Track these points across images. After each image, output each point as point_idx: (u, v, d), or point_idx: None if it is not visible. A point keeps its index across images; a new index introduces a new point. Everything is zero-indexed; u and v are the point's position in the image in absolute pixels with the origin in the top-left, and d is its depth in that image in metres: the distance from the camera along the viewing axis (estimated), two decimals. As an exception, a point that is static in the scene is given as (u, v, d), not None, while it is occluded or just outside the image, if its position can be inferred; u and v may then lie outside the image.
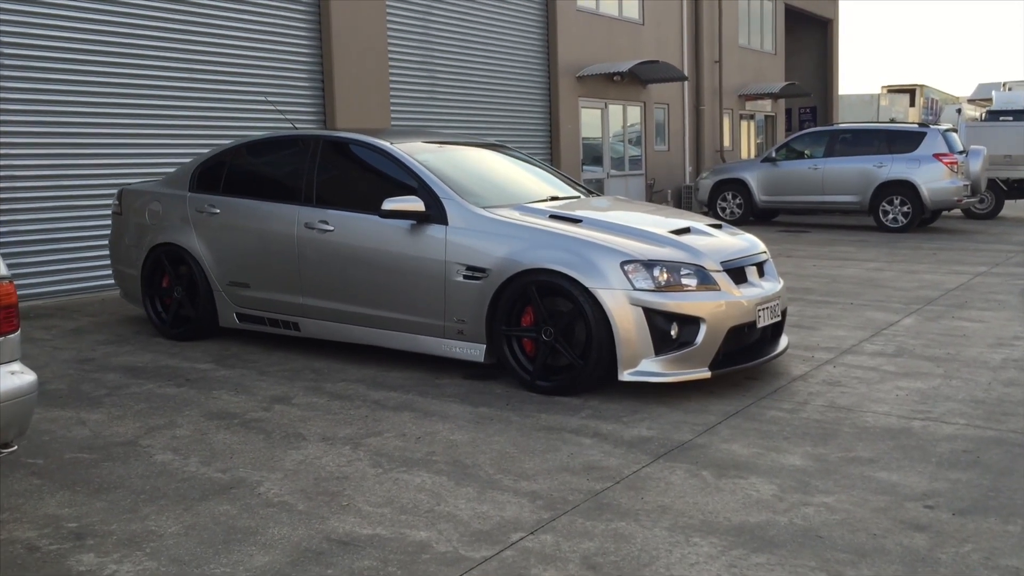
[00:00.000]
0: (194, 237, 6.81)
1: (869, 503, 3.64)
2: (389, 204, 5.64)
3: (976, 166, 15.54)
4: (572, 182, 7.04)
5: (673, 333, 5.06)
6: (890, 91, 42.60)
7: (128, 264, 7.33)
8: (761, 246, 5.90)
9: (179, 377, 5.86)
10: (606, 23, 18.48)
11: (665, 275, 5.11)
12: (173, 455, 4.34)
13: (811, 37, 31.21)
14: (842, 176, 15.53)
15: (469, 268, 5.48)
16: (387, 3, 12.98)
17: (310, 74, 11.95)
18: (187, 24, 10.30)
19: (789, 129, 28.83)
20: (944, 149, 14.84)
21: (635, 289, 5.03)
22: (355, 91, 12.28)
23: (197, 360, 6.33)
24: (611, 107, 18.87)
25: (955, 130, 16.37)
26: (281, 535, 3.41)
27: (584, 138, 17.93)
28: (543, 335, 5.24)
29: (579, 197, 6.60)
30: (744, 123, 25.53)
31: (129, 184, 7.82)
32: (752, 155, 25.49)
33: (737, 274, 5.42)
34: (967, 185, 15.16)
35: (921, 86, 43.78)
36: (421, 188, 5.79)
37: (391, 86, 13.10)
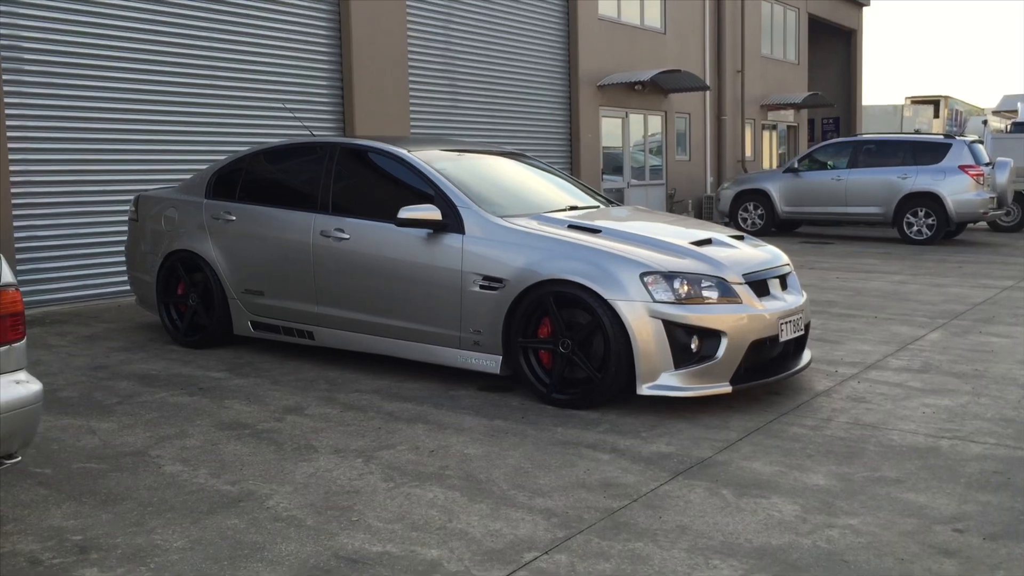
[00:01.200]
0: (210, 244, 6.75)
1: (896, 526, 3.51)
2: (405, 212, 5.56)
3: (1003, 178, 15.32)
4: (591, 191, 6.94)
5: (693, 346, 4.95)
6: (914, 102, 42.25)
7: (144, 271, 7.29)
8: (784, 258, 5.79)
9: (192, 386, 5.80)
10: (627, 32, 18.40)
11: (686, 287, 5.00)
12: (182, 466, 4.27)
13: (835, 47, 31.00)
14: (866, 187, 15.35)
15: (486, 278, 5.40)
16: (407, 12, 12.95)
17: (330, 83, 11.92)
18: (207, 32, 10.30)
19: (812, 140, 28.61)
20: (970, 161, 14.63)
21: (655, 301, 4.93)
22: (375, 100, 12.25)
23: (211, 368, 6.27)
24: (632, 116, 18.76)
25: (981, 142, 16.15)
26: (288, 551, 3.33)
27: (604, 147, 17.83)
28: (560, 347, 5.14)
29: (598, 207, 6.49)
30: (766, 133, 25.35)
31: (146, 191, 7.81)
32: (774, 165, 25.29)
33: (759, 287, 5.31)
34: (993, 197, 14.93)
35: (945, 97, 43.41)
36: (438, 196, 5.71)
37: (411, 95, 13.06)
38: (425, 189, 5.82)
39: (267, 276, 6.45)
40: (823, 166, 16.21)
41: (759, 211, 16.64)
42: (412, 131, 13.08)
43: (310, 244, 6.18)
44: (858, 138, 16.85)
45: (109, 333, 7.60)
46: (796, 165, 16.56)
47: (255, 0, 10.83)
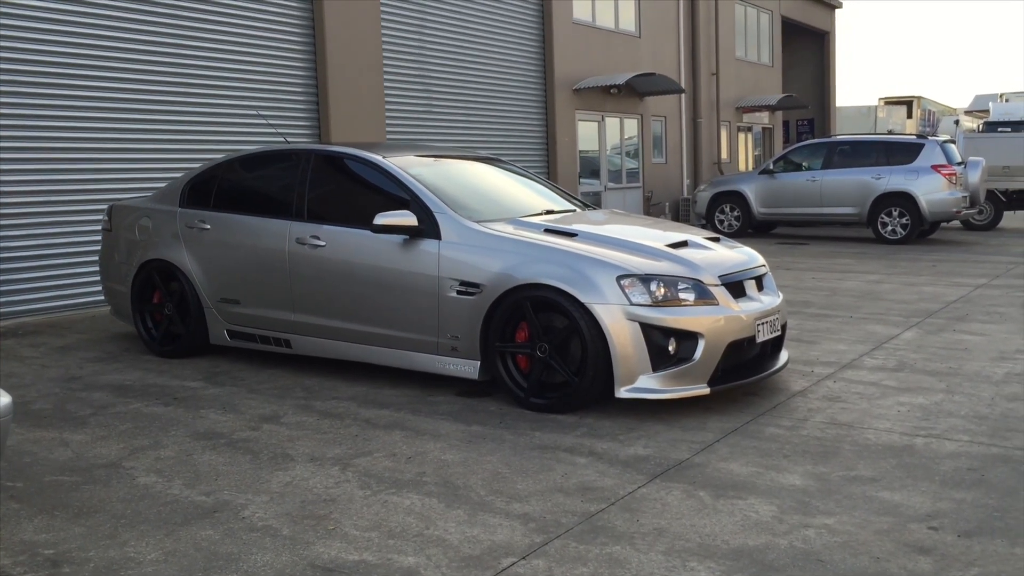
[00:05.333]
0: (184, 253, 6.70)
1: (871, 524, 3.53)
2: (381, 219, 5.55)
3: (975, 177, 15.48)
4: (568, 195, 6.94)
5: (671, 349, 4.96)
6: (887, 103, 42.65)
7: (118, 281, 7.22)
8: (760, 259, 5.81)
9: (167, 396, 5.75)
10: (603, 36, 18.45)
11: (662, 290, 5.01)
12: (157, 477, 4.23)
13: (808, 49, 31.22)
14: (840, 188, 15.46)
15: (463, 283, 5.39)
16: (382, 17, 12.93)
17: (305, 89, 11.88)
18: (180, 39, 10.23)
19: (787, 141, 28.79)
20: (943, 160, 14.78)
21: (632, 304, 4.93)
22: (350, 106, 12.21)
23: (186, 378, 6.22)
24: (608, 120, 18.81)
25: (953, 141, 16.32)
26: (264, 562, 3.30)
27: (581, 151, 17.87)
28: (537, 351, 5.14)
29: (574, 211, 6.48)
30: (742, 135, 25.49)
31: (119, 200, 7.74)
32: (750, 167, 25.43)
33: (736, 288, 5.32)
34: (966, 196, 15.08)
35: (918, 98, 43.83)
36: (414, 202, 5.70)
37: (386, 100, 13.04)
38: (401, 195, 5.80)
39: (243, 284, 6.41)
40: (798, 167, 16.32)
41: (735, 213, 16.73)
42: (388, 137, 13.05)
43: (286, 252, 6.14)
44: (832, 139, 16.98)
45: (83, 344, 7.52)
46: (771, 167, 16.66)
47: (228, 7, 10.77)
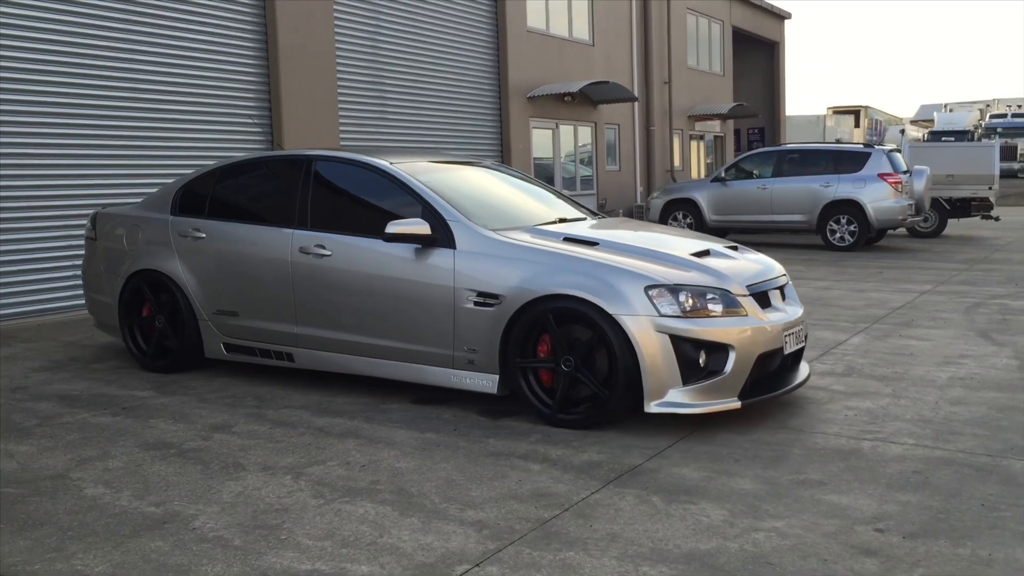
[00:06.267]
0: (177, 263, 6.40)
1: (820, 527, 3.59)
2: (393, 227, 5.31)
3: (920, 186, 15.81)
4: (573, 203, 6.74)
5: (701, 361, 4.78)
6: (836, 112, 43.46)
7: (103, 292, 6.89)
8: (780, 268, 5.64)
9: (115, 406, 5.66)
10: (556, 44, 18.55)
11: (691, 300, 4.83)
12: (105, 488, 4.16)
13: (758, 59, 31.70)
14: (790, 195, 15.70)
15: (480, 294, 5.17)
16: (335, 23, 12.88)
17: (258, 94, 11.78)
18: (131, 44, 10.09)
19: (738, 149, 29.18)
20: (889, 169, 15.07)
21: (660, 315, 4.75)
22: (304, 111, 12.13)
23: (135, 388, 6.13)
24: (562, 127, 18.92)
25: (899, 150, 16.66)
26: (214, 573, 3.26)
27: (536, 158, 17.95)
28: (563, 365, 4.93)
29: (585, 219, 6.28)
30: (694, 143, 25.78)
31: (103, 208, 7.33)
32: (702, 175, 25.72)
33: (761, 298, 5.17)
34: (911, 204, 15.40)
35: (865, 107, 44.70)
36: (426, 210, 5.47)
37: (340, 106, 12.98)
38: (411, 203, 5.58)
39: (241, 296, 6.14)
40: (749, 175, 16.54)
41: (688, 220, 16.90)
42: (341, 142, 12.98)
43: (288, 261, 5.89)
44: (782, 148, 17.24)
45: (29, 353, 7.38)
46: (723, 174, 16.86)
47: (178, 10, 10.65)
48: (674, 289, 4.84)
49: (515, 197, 6.44)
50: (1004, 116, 45.21)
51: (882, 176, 15.00)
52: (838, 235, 15.26)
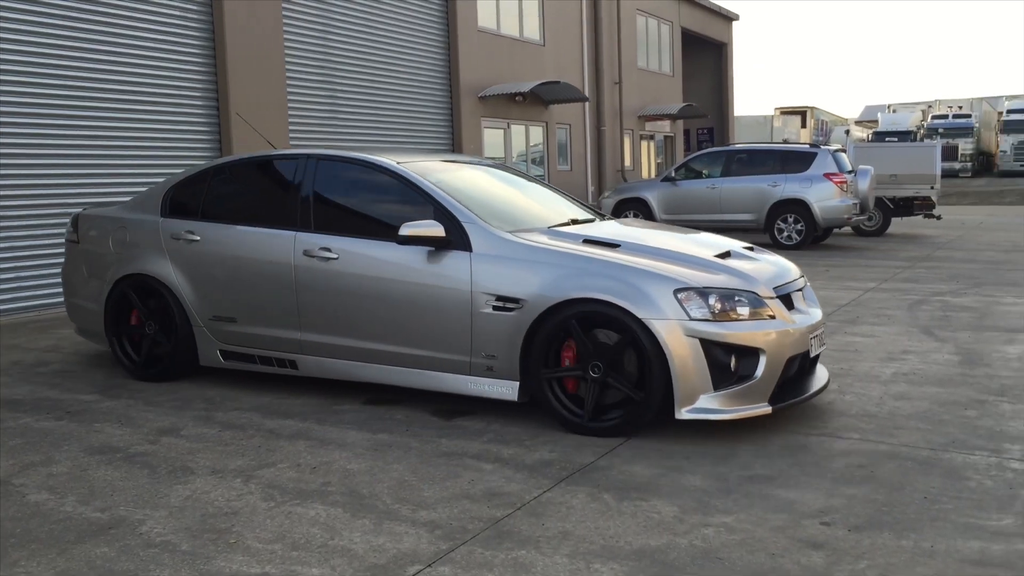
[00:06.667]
0: (169, 267, 6.12)
1: (768, 522, 3.64)
2: (407, 229, 5.13)
3: (864, 185, 16.10)
4: (580, 203, 6.58)
5: (732, 366, 4.66)
6: (783, 112, 44.11)
7: (87, 298, 6.58)
8: (797, 270, 5.53)
9: (59, 410, 5.55)
10: (507, 44, 18.58)
11: (720, 303, 4.70)
12: (49, 494, 4.08)
13: (707, 60, 32.06)
14: (739, 195, 15.90)
15: (500, 298, 4.99)
16: (284, 21, 12.76)
17: (205, 93, 11.63)
18: (73, 42, 9.89)
19: (688, 149, 29.48)
20: (834, 169, 15.34)
21: (691, 319, 4.62)
22: (252, 111, 11.99)
23: (80, 391, 6.01)
24: (513, 127, 18.95)
25: (844, 150, 16.95)
26: (163, 578, 3.22)
27: (488, 158, 17.94)
28: (591, 372, 4.78)
29: (593, 219, 6.15)
30: (644, 143, 25.99)
31: (84, 209, 6.99)
32: (652, 174, 25.94)
33: (786, 300, 5.05)
34: (856, 203, 15.68)
35: (812, 108, 45.43)
36: (438, 212, 5.29)
37: (290, 105, 12.86)
38: (422, 204, 5.39)
39: (240, 301, 5.88)
40: (698, 175, 16.72)
41: (639, 219, 17.03)
42: (291, 141, 12.86)
43: (291, 265, 5.65)
44: (731, 148, 17.45)
45: (-32, 357, 7.20)
46: (673, 174, 17.03)
47: (122, 8, 10.47)
48: (703, 292, 4.71)
49: (522, 197, 6.28)
50: (945, 117, 46.22)
51: (828, 176, 15.26)
52: (785, 234, 15.49)
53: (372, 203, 5.77)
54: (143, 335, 6.28)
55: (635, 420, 4.75)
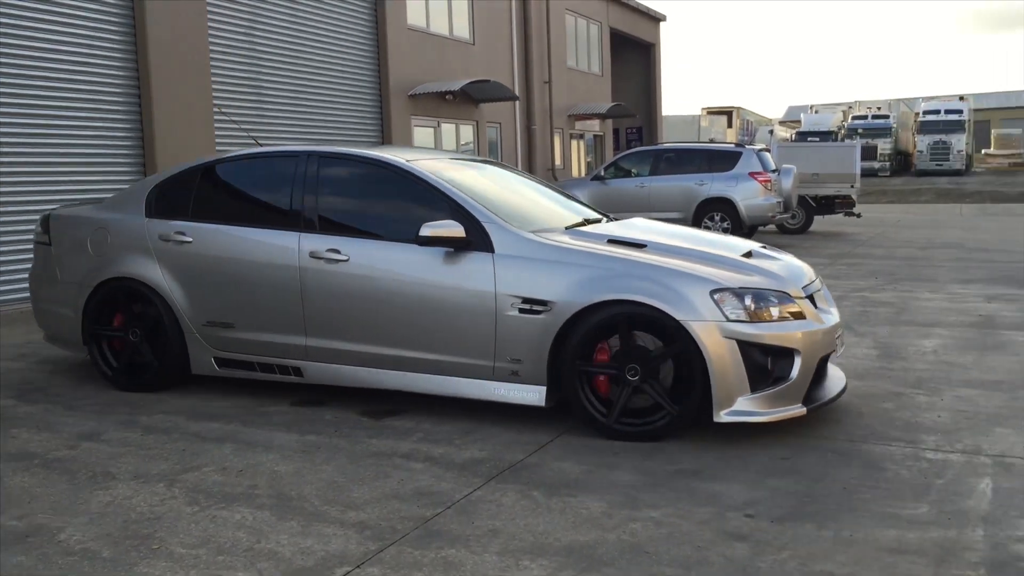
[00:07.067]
0: (158, 270, 5.78)
1: (694, 515, 3.70)
2: (428, 230, 4.94)
3: (787, 184, 16.48)
4: (582, 202, 6.47)
5: (769, 367, 4.61)
6: (710, 112, 44.81)
7: (61, 303, 6.18)
8: (812, 270, 5.45)
9: (-27, 416, 5.37)
10: (437, 42, 18.53)
11: (755, 304, 4.63)
12: (-39, 503, 3.94)
13: (635, 60, 32.39)
14: (667, 193, 16.12)
15: (526, 300, 4.83)
16: (209, 19, 12.52)
17: (125, 92, 11.35)
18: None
19: (617, 148, 29.75)
20: (758, 168, 15.66)
21: (728, 320, 4.54)
22: (176, 109, 11.76)
23: (-5, 396, 5.82)
24: (444, 126, 18.91)
25: (768, 150, 17.32)
26: (82, 587, 3.14)
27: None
28: (627, 374, 4.68)
29: (601, 219, 6.01)
30: (574, 142, 26.16)
31: (55, 209, 6.62)
32: (582, 173, 26.12)
33: (810, 300, 5.00)
34: (780, 202, 16.03)
35: (737, 108, 46.25)
36: (456, 212, 5.09)
37: (215, 101, 12.63)
38: (437, 204, 5.20)
39: (237, 306, 5.60)
40: (627, 174, 16.90)
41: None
42: (217, 143, 12.64)
43: (296, 267, 5.40)
44: (659, 147, 17.69)
45: None
46: (603, 173, 17.18)
47: (39, 5, 10.16)
48: (739, 293, 4.63)
49: (531, 197, 6.12)
50: (865, 118, 47.52)
51: (752, 175, 15.57)
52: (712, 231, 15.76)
53: (382, 203, 5.56)
54: (126, 342, 5.92)
55: (672, 426, 4.67)
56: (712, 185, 15.71)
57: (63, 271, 6.22)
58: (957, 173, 43.88)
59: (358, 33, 16.13)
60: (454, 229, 4.97)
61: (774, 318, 4.66)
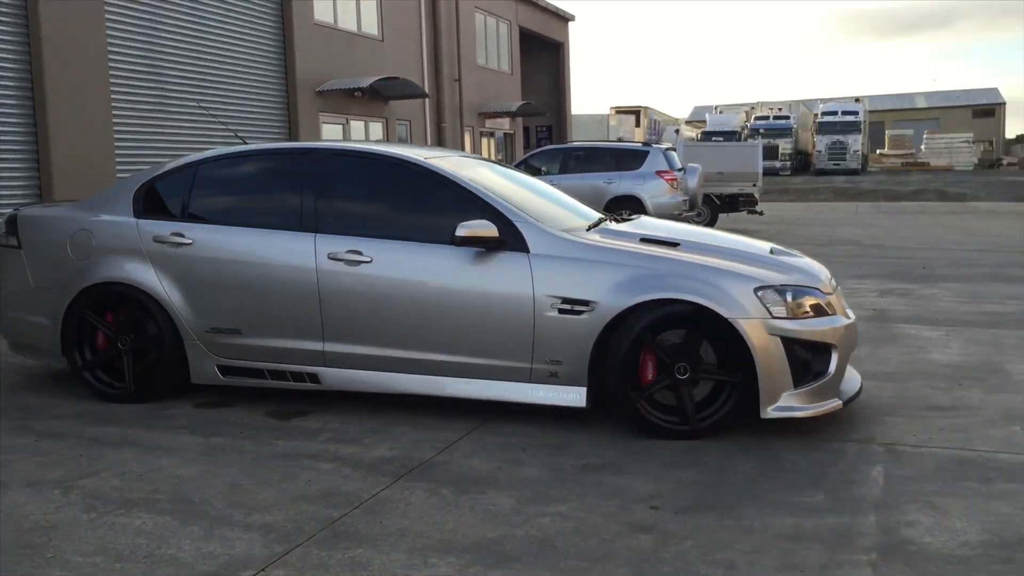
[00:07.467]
0: (153, 274, 5.44)
1: (600, 508, 3.76)
2: (464, 230, 4.81)
3: (693, 182, 16.82)
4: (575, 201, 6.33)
5: (810, 363, 4.66)
6: (618, 112, 45.45)
7: (33, 310, 5.74)
8: (826, 268, 5.51)
9: None
10: (345, 38, 18.32)
11: (795, 300, 4.68)
12: None
13: (545, 59, 32.62)
14: (576, 191, 15.97)
15: (567, 301, 4.75)
16: (107, 15, 12.13)
17: (18, 86, 10.90)
18: None
19: (527, 146, 29.92)
20: (665, 166, 15.94)
21: (773, 317, 4.58)
22: (72, 106, 11.35)
23: None
24: (353, 123, 18.72)
25: (674, 149, 17.66)
26: (-29, 600, 3.01)
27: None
28: (676, 374, 4.66)
29: (607, 218, 5.90)
30: (485, 140, 26.20)
31: (21, 209, 6.12)
32: (493, 171, 26.13)
33: None
34: (686, 200, 16.35)
35: (645, 108, 47.00)
36: (486, 211, 4.98)
37: (113, 99, 12.24)
38: (464, 203, 5.06)
39: (245, 310, 5.32)
40: (537, 172, 16.98)
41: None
42: (116, 141, 12.25)
43: (314, 270, 5.16)
44: (568, 145, 17.86)
45: None
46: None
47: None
48: (780, 290, 4.68)
49: (546, 195, 5.98)
50: (767, 118, 48.88)
51: (659, 173, 15.84)
52: (621, 230, 15.98)
53: (403, 202, 5.40)
54: (117, 352, 5.54)
55: (724, 422, 4.66)
56: (620, 183, 15.92)
57: (36, 276, 5.78)
58: (854, 172, 45.47)
59: (263, 28, 15.84)
60: (489, 229, 4.87)
61: (812, 314, 4.72)
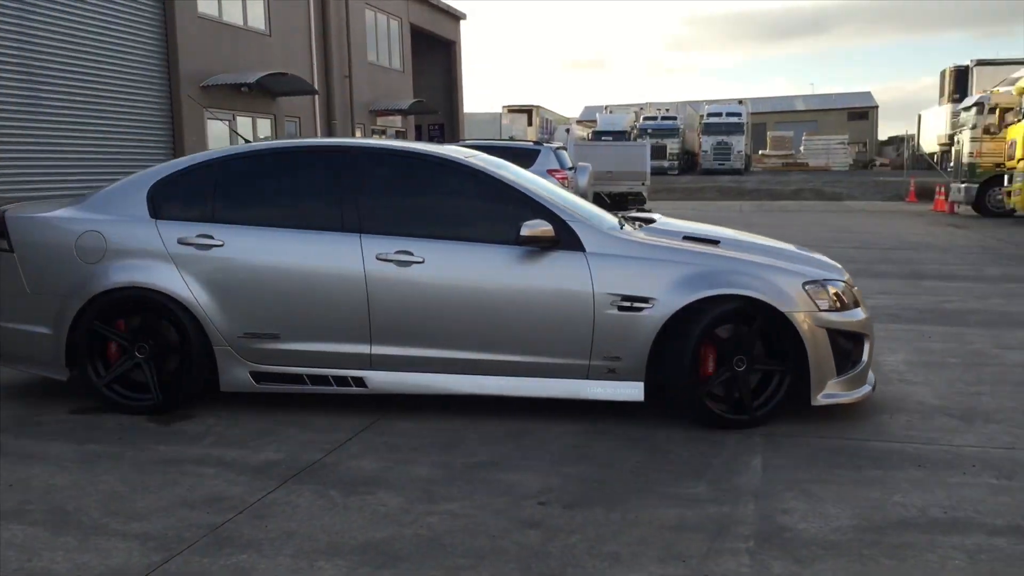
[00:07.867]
0: (179, 278, 5.13)
1: (490, 506, 3.78)
2: (527, 229, 4.84)
3: (583, 181, 17.08)
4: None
5: (851, 351, 5.00)
6: (511, 111, 45.74)
7: (30, 319, 5.31)
8: None
9: None
10: (231, 32, 17.89)
11: (835, 294, 4.99)
12: None
13: (437, 58, 32.57)
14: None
15: (626, 298, 4.84)
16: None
17: None
18: None
19: (419, 145, 29.77)
20: (556, 165, 16.13)
21: (819, 310, 4.88)
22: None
23: None
24: (240, 119, 18.29)
25: (565, 148, 17.88)
26: None
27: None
28: (735, 366, 4.86)
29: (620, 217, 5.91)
30: (376, 138, 25.97)
31: (7, 209, 5.58)
32: (385, 170, 25.95)
33: None
34: (577, 198, 16.57)
35: (537, 107, 47.44)
36: (537, 211, 5.00)
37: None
38: (516, 203, 5.06)
39: (285, 314, 5.10)
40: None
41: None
42: (-16, 130, 11.66)
43: (362, 271, 5.03)
44: (460, 144, 17.85)
45: None
46: (404, 169, 17.16)
47: None
48: (824, 284, 4.98)
49: (569, 196, 5.86)
50: (655, 119, 49.87)
51: (550, 172, 15.99)
52: (513, 228, 16.09)
53: (449, 202, 5.34)
54: (136, 361, 5.20)
55: (775, 410, 4.90)
56: (512, 182, 16.04)
57: (35, 281, 5.35)
58: (737, 172, 46.85)
59: (143, 20, 15.31)
60: (546, 228, 4.90)
61: (849, 307, 5.05)
